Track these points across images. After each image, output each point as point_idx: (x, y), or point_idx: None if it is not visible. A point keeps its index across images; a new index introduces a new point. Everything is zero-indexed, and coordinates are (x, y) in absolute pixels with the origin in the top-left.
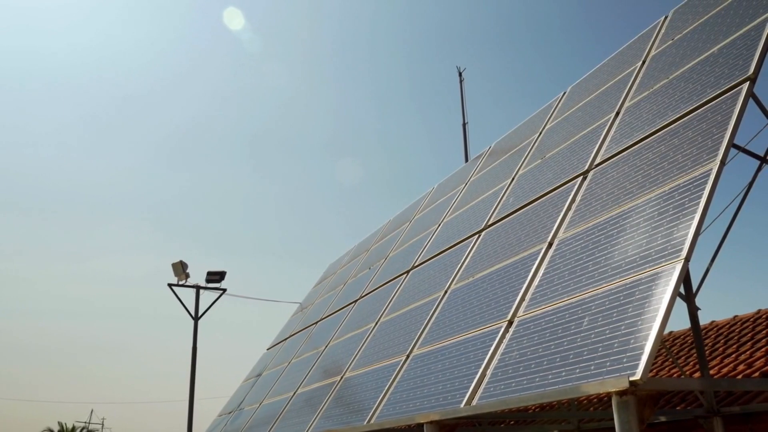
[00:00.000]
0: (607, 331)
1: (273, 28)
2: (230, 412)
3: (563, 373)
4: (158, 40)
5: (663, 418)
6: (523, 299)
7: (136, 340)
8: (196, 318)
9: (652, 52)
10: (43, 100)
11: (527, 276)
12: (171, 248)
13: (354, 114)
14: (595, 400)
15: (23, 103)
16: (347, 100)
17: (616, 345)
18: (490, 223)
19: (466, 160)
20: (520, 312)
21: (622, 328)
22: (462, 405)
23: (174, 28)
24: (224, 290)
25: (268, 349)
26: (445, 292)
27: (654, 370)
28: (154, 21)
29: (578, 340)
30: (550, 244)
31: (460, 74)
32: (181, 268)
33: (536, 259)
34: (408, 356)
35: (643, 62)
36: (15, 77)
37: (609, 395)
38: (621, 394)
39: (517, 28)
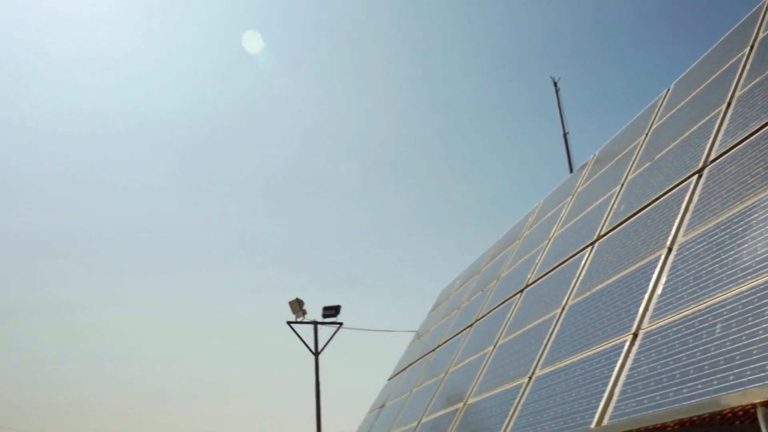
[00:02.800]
0: (744, 338)
1: (350, 58)
2: None
3: (699, 386)
4: (239, 82)
5: None
6: (646, 310)
7: (257, 379)
8: (316, 353)
9: (761, 35)
10: (131, 156)
11: (648, 285)
12: (280, 285)
13: (439, 138)
14: (740, 412)
15: (113, 162)
16: (428, 127)
17: (755, 352)
18: (602, 233)
19: (571, 171)
20: (645, 324)
21: (760, 332)
22: (592, 425)
23: (251, 67)
24: (341, 324)
25: (389, 380)
26: (563, 308)
27: None
28: (232, 62)
29: (712, 349)
30: (670, 249)
31: (555, 84)
32: (297, 306)
33: (656, 266)
34: (530, 378)
35: (751, 47)
36: (104, 135)
37: (754, 407)
38: (766, 404)
39: (608, 31)
